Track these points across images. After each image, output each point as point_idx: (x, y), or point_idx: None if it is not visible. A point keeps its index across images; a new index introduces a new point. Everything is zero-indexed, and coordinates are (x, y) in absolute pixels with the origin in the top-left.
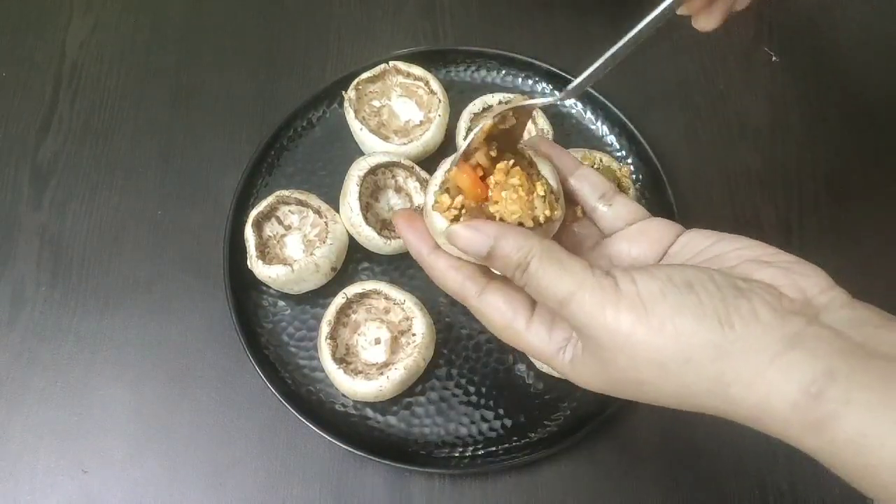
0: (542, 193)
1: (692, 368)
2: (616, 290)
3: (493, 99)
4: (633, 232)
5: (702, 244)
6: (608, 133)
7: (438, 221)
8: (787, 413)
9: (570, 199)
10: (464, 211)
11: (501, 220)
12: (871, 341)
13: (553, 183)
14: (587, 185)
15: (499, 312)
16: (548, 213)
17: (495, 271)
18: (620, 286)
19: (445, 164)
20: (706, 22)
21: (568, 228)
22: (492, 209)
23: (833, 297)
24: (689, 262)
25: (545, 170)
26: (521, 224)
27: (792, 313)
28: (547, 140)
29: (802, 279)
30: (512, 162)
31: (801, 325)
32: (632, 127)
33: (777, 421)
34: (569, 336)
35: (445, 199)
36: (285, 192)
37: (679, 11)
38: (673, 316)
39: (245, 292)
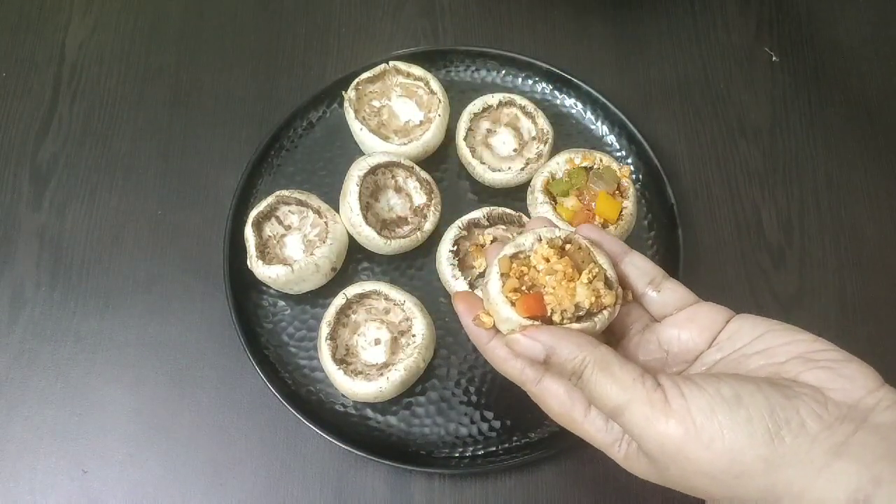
0: (585, 280)
1: (743, 482)
2: (665, 405)
3: (493, 99)
4: (683, 318)
5: (751, 334)
6: (608, 133)
7: (504, 311)
8: None
9: (621, 284)
10: (519, 294)
11: (554, 310)
12: None
13: (608, 270)
14: (635, 271)
15: (557, 401)
16: (592, 299)
17: None
18: (670, 401)
19: (508, 250)
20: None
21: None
22: (546, 298)
23: (880, 399)
24: (740, 352)
25: (601, 258)
26: (574, 309)
27: (839, 421)
28: (594, 227)
29: (848, 381)
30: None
31: (847, 433)
32: (632, 127)
33: None
34: (624, 432)
35: (510, 282)
36: (285, 192)
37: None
38: (723, 432)
39: (245, 292)
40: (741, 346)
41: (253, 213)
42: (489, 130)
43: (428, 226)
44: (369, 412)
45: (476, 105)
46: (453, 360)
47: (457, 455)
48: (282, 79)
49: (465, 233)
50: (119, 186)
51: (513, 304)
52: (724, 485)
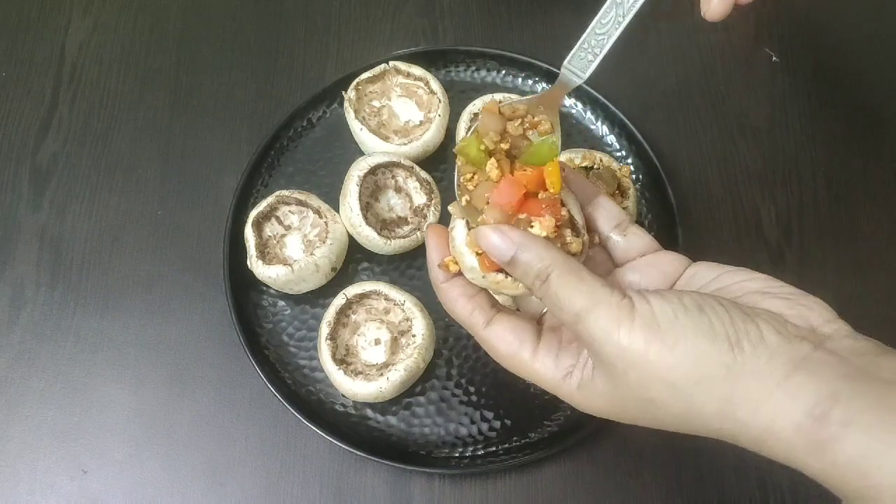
0: (539, 232)
1: (703, 388)
2: (632, 309)
3: (493, 99)
4: (644, 263)
5: (707, 276)
6: (608, 133)
7: (468, 260)
8: (791, 436)
9: (587, 227)
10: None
11: None
12: (873, 367)
13: (577, 215)
14: (604, 214)
15: (504, 342)
16: (558, 246)
17: (501, 303)
18: (636, 305)
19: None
20: (714, 10)
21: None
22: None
23: (837, 329)
24: (696, 291)
25: (571, 203)
26: None
27: (798, 338)
28: (564, 165)
29: (806, 310)
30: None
31: (807, 350)
32: (632, 127)
33: (782, 443)
34: (575, 362)
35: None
36: (285, 192)
37: None
38: (686, 337)
39: (245, 292)
40: (698, 287)
41: (253, 213)
42: None
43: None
44: (369, 412)
45: (476, 105)
46: (453, 360)
47: (457, 455)
48: (282, 79)
49: None
50: (119, 186)
51: (477, 255)
52: (683, 392)
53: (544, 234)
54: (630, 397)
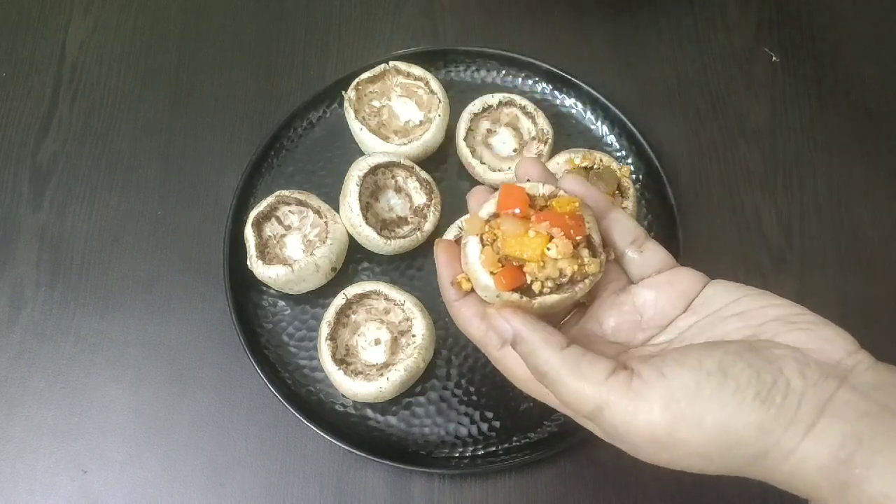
0: (555, 256)
1: (736, 453)
2: (646, 391)
3: (493, 99)
4: (661, 281)
5: (725, 299)
6: (608, 133)
7: (483, 278)
8: (816, 477)
9: (603, 242)
10: (500, 265)
11: (534, 280)
12: (894, 402)
13: (594, 233)
14: (619, 229)
15: (520, 366)
16: (574, 268)
17: None
18: (651, 385)
19: (489, 207)
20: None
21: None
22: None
23: (859, 360)
24: (715, 314)
25: (587, 216)
26: (556, 277)
27: (822, 377)
28: (578, 178)
29: (828, 343)
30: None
31: (831, 390)
32: (632, 127)
33: (807, 483)
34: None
35: (489, 253)
36: (285, 192)
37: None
38: (713, 410)
39: (245, 292)
40: (716, 309)
41: (253, 213)
42: (489, 130)
43: (428, 226)
44: (369, 412)
45: (476, 105)
46: (453, 360)
47: (457, 455)
48: (282, 79)
49: None
50: (119, 186)
51: (492, 274)
52: (718, 459)
53: (560, 257)
54: (661, 463)
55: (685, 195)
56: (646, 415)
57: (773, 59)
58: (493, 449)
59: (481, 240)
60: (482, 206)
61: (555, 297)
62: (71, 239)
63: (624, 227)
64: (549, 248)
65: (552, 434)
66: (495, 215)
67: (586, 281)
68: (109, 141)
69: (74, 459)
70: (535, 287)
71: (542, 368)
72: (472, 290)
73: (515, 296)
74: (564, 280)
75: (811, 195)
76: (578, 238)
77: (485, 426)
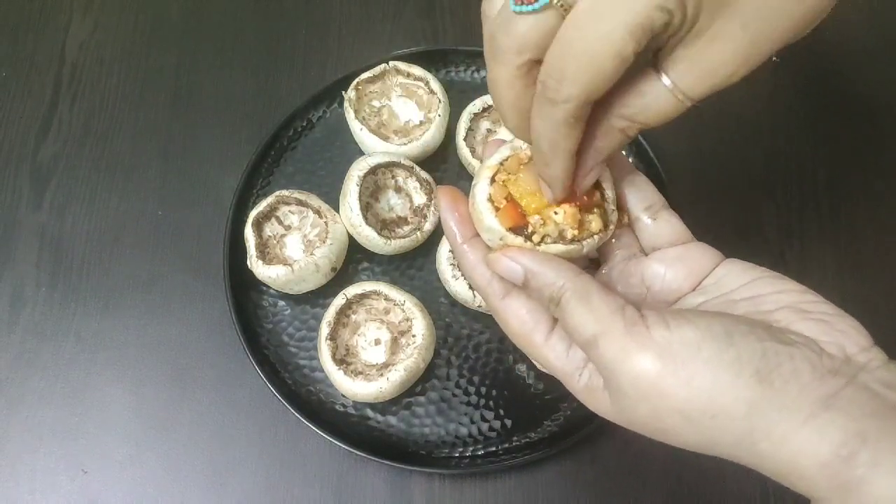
0: (559, 221)
1: (719, 423)
2: (646, 336)
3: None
4: (673, 256)
5: (739, 280)
6: None
7: (487, 218)
8: (815, 473)
9: (618, 205)
10: (505, 201)
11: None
12: None
13: (608, 190)
14: (635, 193)
15: (518, 320)
16: (575, 231)
17: None
18: (652, 332)
19: (503, 151)
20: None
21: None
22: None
23: (871, 357)
24: (726, 297)
25: (605, 177)
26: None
27: (831, 373)
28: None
29: (843, 336)
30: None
31: (839, 386)
32: None
33: (804, 480)
34: (587, 361)
35: (497, 188)
36: (285, 192)
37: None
38: (706, 370)
39: (245, 292)
40: (726, 291)
41: (253, 213)
42: (489, 130)
43: (428, 226)
44: (369, 412)
45: (476, 105)
46: (453, 360)
47: (457, 455)
48: (282, 79)
49: None
50: (119, 186)
51: (497, 210)
52: (698, 425)
53: (566, 222)
54: (639, 421)
55: (685, 195)
56: (638, 356)
57: (774, 59)
58: (494, 449)
59: (492, 179)
60: (495, 154)
61: (560, 247)
62: (71, 239)
63: (641, 191)
64: (555, 213)
65: (553, 434)
66: (507, 159)
67: (595, 237)
68: (109, 141)
69: (74, 459)
70: (535, 238)
71: (554, 295)
72: (478, 236)
73: (520, 240)
74: (566, 238)
75: (811, 195)
76: (588, 208)
77: (485, 426)
